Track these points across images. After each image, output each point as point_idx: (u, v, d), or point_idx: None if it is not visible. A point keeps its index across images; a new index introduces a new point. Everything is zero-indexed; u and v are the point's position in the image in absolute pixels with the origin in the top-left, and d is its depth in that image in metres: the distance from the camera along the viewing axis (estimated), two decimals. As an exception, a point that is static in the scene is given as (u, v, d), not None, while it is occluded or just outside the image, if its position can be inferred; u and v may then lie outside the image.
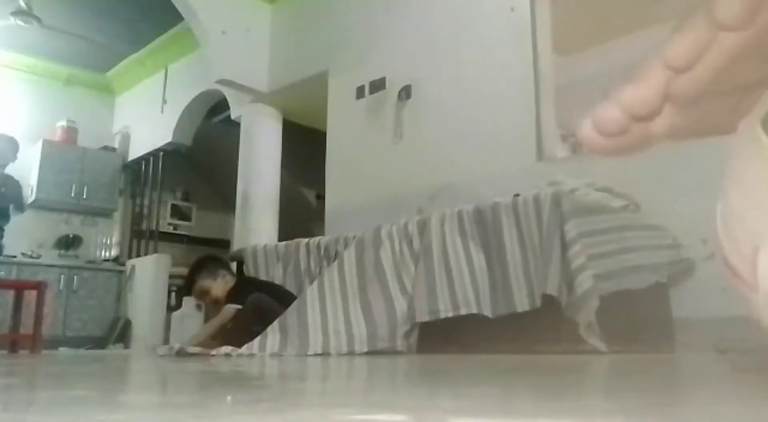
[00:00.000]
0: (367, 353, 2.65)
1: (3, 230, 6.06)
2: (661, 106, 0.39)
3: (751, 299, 0.39)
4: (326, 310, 2.80)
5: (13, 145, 6.00)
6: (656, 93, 0.39)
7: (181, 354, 2.85)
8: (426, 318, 2.64)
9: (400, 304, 2.72)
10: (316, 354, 2.64)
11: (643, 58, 0.41)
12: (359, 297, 2.79)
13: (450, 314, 2.59)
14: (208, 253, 3.76)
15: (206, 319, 3.49)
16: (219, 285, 3.21)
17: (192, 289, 3.27)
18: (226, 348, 2.74)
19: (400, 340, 2.66)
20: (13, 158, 6.13)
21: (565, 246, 2.35)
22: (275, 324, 2.78)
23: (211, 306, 3.28)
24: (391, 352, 2.65)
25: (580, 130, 0.41)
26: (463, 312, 2.56)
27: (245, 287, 3.19)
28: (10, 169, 6.53)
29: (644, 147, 0.41)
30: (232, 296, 3.14)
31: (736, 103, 0.39)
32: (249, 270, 3.64)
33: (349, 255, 2.92)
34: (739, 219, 0.38)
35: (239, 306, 3.03)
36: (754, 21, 0.36)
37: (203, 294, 3.24)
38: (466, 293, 2.58)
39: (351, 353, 2.66)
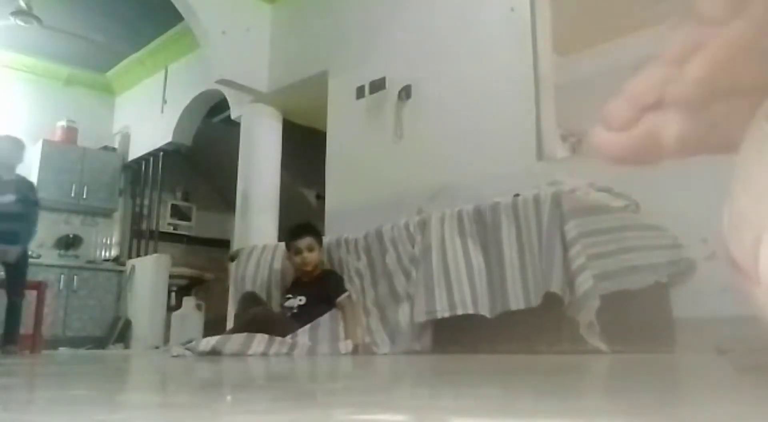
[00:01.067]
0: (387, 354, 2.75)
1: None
2: (662, 95, 0.40)
3: (754, 295, 0.39)
4: None
5: (18, 145, 5.73)
6: (655, 82, 0.41)
7: (201, 354, 2.83)
8: (423, 319, 2.66)
9: (409, 304, 2.81)
10: (347, 354, 2.79)
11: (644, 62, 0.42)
12: (373, 295, 2.90)
13: (446, 314, 2.60)
14: None
15: (291, 271, 3.42)
16: (319, 255, 3.30)
17: (306, 233, 3.29)
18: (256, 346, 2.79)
19: (416, 341, 2.74)
20: (21, 159, 5.77)
21: (565, 247, 2.35)
22: (307, 327, 2.92)
23: (296, 261, 3.27)
24: (410, 352, 2.72)
25: (591, 137, 0.42)
26: (460, 312, 2.57)
27: (330, 273, 3.29)
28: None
29: (654, 157, 0.42)
30: (317, 269, 3.26)
31: (742, 113, 0.39)
32: (248, 270, 3.63)
33: (361, 262, 3.10)
34: (744, 215, 0.38)
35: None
36: (741, 15, 0.37)
37: (308, 249, 3.26)
38: (463, 293, 2.59)
39: (373, 354, 2.77)
